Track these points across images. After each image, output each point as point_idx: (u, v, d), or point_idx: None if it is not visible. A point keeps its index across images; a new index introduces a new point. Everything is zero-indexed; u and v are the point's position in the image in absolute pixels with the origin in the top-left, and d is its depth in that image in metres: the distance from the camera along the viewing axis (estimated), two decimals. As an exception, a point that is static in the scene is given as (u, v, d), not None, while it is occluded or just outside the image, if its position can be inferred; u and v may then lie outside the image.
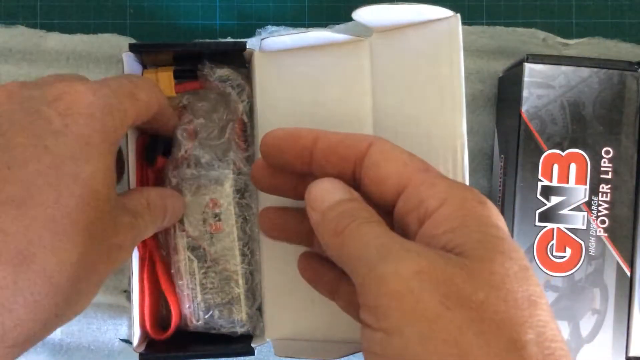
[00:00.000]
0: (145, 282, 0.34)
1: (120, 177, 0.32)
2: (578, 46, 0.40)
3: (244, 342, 0.34)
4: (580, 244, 0.35)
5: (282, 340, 0.34)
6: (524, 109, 0.35)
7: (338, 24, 0.40)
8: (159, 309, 0.35)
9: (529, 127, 0.35)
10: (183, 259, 0.34)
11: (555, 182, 0.35)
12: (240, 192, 0.34)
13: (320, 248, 0.28)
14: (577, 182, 0.35)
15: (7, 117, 0.25)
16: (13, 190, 0.23)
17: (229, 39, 0.40)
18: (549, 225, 0.35)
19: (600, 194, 0.35)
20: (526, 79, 0.35)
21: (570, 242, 0.35)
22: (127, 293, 0.39)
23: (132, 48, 0.33)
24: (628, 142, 0.35)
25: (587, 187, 0.35)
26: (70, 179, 0.24)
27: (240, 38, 0.40)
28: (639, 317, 0.35)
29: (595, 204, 0.35)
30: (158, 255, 0.34)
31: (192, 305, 0.34)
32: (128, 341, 0.40)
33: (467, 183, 0.29)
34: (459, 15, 0.29)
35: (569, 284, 0.35)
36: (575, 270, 0.35)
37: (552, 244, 0.35)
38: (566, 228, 0.35)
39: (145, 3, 0.41)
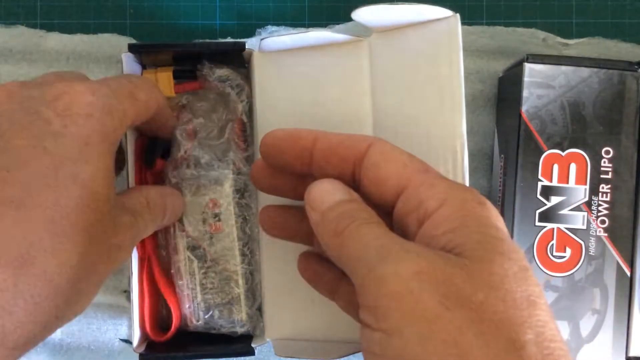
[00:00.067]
0: (145, 283, 0.34)
1: (120, 171, 0.32)
2: (578, 46, 0.40)
3: (244, 342, 0.34)
4: (580, 244, 0.35)
5: (282, 340, 0.34)
6: (524, 109, 0.35)
7: (338, 24, 0.40)
8: (158, 310, 0.35)
9: (529, 127, 0.35)
10: (183, 259, 0.34)
11: (555, 182, 0.35)
12: (240, 192, 0.34)
13: (320, 248, 0.28)
14: (577, 182, 0.35)
15: (6, 117, 0.25)
16: (12, 192, 0.23)
17: (229, 39, 0.40)
18: (549, 225, 0.35)
19: (600, 194, 0.35)
20: (526, 79, 0.35)
21: (570, 242, 0.35)
22: (127, 293, 0.39)
23: (132, 48, 0.33)
24: (628, 142, 0.35)
25: (587, 187, 0.35)
26: (69, 180, 0.24)
27: (240, 38, 0.40)
28: (639, 317, 0.35)
29: (595, 204, 0.35)
30: (157, 257, 0.34)
31: (192, 306, 0.34)
32: (128, 341, 0.40)
33: (467, 183, 0.29)
34: (458, 15, 0.29)
35: (569, 284, 0.35)
36: (575, 270, 0.35)
37: (552, 244, 0.35)
38: (566, 228, 0.35)
39: (145, 3, 0.41)
